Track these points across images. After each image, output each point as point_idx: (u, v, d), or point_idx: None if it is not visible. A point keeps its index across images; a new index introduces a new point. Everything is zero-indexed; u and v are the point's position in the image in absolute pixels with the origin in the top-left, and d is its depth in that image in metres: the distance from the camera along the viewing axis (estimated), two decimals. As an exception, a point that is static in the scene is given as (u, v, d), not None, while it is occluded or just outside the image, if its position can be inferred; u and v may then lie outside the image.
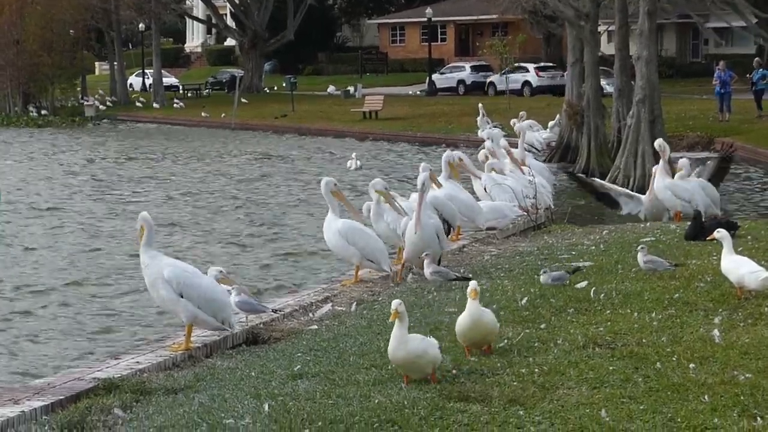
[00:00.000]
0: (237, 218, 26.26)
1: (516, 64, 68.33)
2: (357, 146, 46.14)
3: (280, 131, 56.19)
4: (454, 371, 8.25)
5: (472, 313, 8.63)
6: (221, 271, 10.95)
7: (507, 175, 18.31)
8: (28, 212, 28.00)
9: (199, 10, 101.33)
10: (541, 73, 66.74)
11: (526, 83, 66.64)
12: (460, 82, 73.30)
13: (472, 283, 8.81)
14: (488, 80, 71.15)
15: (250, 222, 25.62)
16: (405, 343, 7.96)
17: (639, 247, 12.21)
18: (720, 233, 10.51)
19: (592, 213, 25.80)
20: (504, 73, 66.74)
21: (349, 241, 13.06)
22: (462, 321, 8.69)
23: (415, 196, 13.80)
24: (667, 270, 11.76)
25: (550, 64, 69.86)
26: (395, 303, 8.01)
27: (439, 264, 13.37)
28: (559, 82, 66.99)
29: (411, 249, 13.45)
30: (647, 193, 18.90)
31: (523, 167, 19.18)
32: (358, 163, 35.89)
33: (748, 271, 10.11)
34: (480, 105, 43.01)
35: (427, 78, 72.97)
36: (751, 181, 31.78)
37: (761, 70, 44.37)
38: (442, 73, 74.60)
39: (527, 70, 67.69)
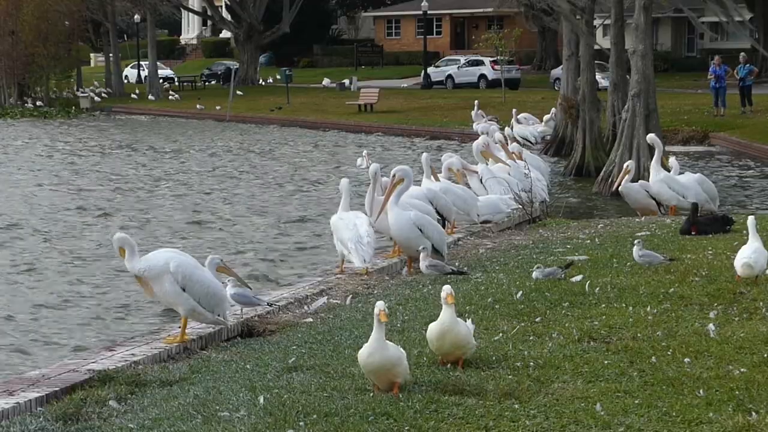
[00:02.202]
0: (233, 210, 26.22)
1: (473, 57, 68.50)
2: (353, 139, 46.14)
3: (275, 123, 56.17)
4: (448, 365, 8.24)
5: (443, 322, 8.01)
6: (221, 260, 10.88)
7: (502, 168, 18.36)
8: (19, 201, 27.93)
9: (195, 2, 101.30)
10: (496, 67, 66.57)
11: (482, 76, 66.57)
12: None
13: (446, 288, 8.10)
14: (447, 74, 71.15)
15: (245, 214, 25.58)
16: (383, 348, 7.50)
17: (635, 241, 12.23)
18: (749, 220, 10.63)
19: (588, 207, 25.84)
20: (462, 67, 66.92)
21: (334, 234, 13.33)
22: (431, 329, 8.12)
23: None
24: (663, 264, 11.78)
25: (506, 58, 69.84)
26: (380, 305, 7.54)
27: (443, 255, 13.37)
28: (514, 76, 67.02)
29: (399, 243, 13.55)
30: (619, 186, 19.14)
31: (519, 161, 19.19)
32: (368, 161, 35.70)
33: (739, 258, 10.32)
34: (476, 101, 42.96)
35: (423, 71, 72.95)
36: (747, 175, 31.78)
37: (748, 65, 44.28)
38: (437, 67, 74.60)
39: (483, 63, 67.68)
